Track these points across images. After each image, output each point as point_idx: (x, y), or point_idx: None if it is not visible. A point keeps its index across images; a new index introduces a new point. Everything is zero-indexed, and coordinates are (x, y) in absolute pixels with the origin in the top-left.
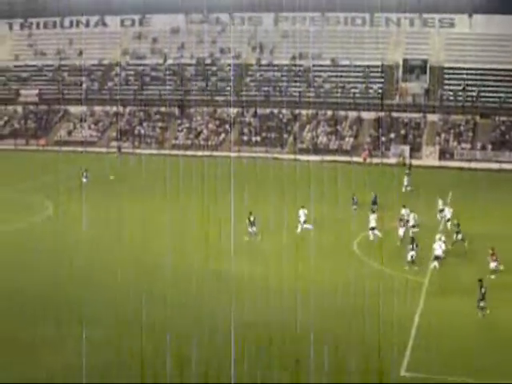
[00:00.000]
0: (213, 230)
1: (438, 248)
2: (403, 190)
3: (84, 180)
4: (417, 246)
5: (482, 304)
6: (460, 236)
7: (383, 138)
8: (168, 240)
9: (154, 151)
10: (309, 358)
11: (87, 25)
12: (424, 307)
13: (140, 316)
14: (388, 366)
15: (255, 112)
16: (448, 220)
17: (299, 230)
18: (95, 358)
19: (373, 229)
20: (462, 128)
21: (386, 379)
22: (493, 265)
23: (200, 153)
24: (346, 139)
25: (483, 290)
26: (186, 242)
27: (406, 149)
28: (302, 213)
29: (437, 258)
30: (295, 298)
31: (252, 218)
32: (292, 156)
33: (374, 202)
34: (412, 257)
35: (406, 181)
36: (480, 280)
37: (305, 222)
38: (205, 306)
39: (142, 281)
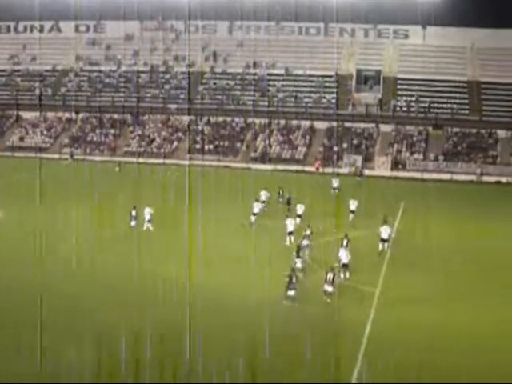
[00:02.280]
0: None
1: (345, 256)
2: (331, 192)
3: None
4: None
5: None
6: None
7: (336, 148)
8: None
9: (107, 158)
10: (259, 366)
11: (41, 30)
12: (375, 317)
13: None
14: (338, 376)
15: (208, 120)
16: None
17: (145, 227)
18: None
19: (290, 233)
20: (414, 139)
21: None
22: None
23: (152, 160)
24: (299, 148)
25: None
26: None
27: (359, 159)
28: (148, 211)
29: (344, 265)
30: (238, 305)
31: (134, 213)
32: (244, 165)
33: (288, 203)
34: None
35: (334, 182)
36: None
37: (149, 221)
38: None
39: None
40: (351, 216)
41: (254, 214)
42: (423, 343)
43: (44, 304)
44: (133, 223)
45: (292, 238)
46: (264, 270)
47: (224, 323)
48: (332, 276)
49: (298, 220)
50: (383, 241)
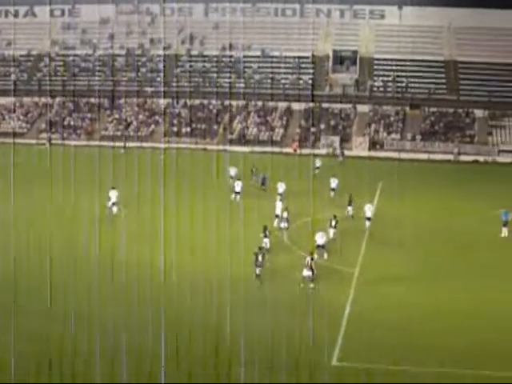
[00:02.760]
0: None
1: (320, 237)
2: (315, 171)
3: None
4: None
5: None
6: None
7: (313, 129)
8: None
9: (84, 142)
10: (239, 351)
11: (16, 15)
12: (354, 297)
13: None
14: (319, 357)
15: (185, 103)
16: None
17: (111, 210)
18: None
19: (277, 216)
20: (391, 119)
21: (318, 369)
22: (307, 273)
23: (129, 144)
24: (276, 130)
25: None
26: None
27: (336, 139)
28: (113, 194)
29: (320, 247)
30: (214, 287)
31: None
32: (221, 147)
33: (263, 183)
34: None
35: (317, 162)
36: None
37: (114, 203)
38: None
39: None
40: (332, 193)
41: (237, 193)
42: (402, 323)
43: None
44: (110, 204)
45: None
46: (239, 251)
47: (195, 307)
48: (310, 260)
49: (279, 198)
50: (368, 219)
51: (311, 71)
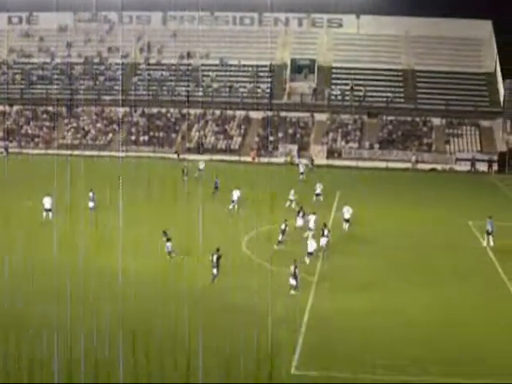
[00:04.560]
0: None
1: (310, 245)
2: (300, 177)
3: None
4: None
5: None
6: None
7: (271, 138)
8: None
9: (42, 151)
10: (197, 358)
11: None
12: (313, 304)
13: None
14: (278, 365)
15: (143, 111)
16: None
17: (44, 217)
18: None
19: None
20: (349, 127)
21: (276, 378)
22: (292, 281)
23: (87, 152)
24: (234, 139)
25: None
26: None
27: (294, 148)
28: (47, 201)
29: (310, 254)
30: (173, 295)
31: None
32: (180, 156)
33: (216, 187)
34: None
35: (301, 167)
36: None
37: (49, 209)
38: None
39: None
40: (315, 198)
41: (233, 201)
42: (362, 331)
43: None
44: (91, 205)
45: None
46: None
47: (146, 317)
48: (294, 269)
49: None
50: (346, 221)
51: (269, 80)
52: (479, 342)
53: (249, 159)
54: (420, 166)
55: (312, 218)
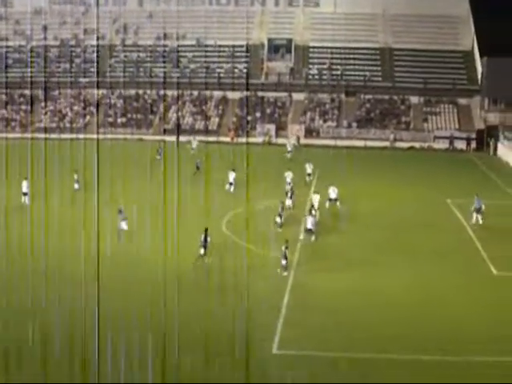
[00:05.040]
0: None
1: (310, 222)
2: (288, 156)
3: None
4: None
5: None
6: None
7: (249, 118)
8: None
9: (18, 135)
10: (175, 337)
11: None
12: (293, 284)
13: None
14: (259, 345)
15: (120, 93)
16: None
17: (22, 200)
18: None
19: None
20: (327, 106)
21: (257, 358)
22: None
23: (64, 135)
24: (212, 119)
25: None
26: None
27: (272, 128)
28: (25, 184)
29: (309, 230)
30: (158, 275)
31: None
32: (157, 137)
33: (197, 167)
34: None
35: (288, 146)
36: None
37: (25, 194)
38: None
39: None
40: (308, 178)
41: (230, 184)
42: (343, 310)
43: None
44: (76, 186)
45: None
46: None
47: (123, 297)
48: (285, 249)
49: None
50: (333, 200)
51: (246, 60)
52: (459, 321)
53: (227, 139)
54: (398, 144)
55: (316, 198)
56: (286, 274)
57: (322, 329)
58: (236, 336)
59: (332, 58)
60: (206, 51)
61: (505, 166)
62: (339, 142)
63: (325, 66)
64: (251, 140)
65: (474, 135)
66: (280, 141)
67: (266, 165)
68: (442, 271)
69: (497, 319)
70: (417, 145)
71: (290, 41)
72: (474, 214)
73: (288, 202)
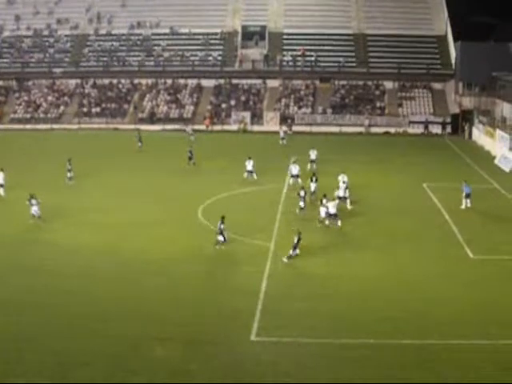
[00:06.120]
0: None
1: (332, 207)
2: (280, 142)
3: None
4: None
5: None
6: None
7: (224, 105)
8: None
9: None
10: (155, 325)
11: None
12: (271, 271)
13: None
14: (237, 332)
15: (94, 83)
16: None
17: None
18: None
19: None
20: (301, 93)
21: (236, 345)
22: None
23: (40, 126)
24: (187, 107)
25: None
26: None
27: (247, 115)
28: (1, 176)
29: (333, 215)
30: (141, 265)
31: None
32: (133, 126)
33: (190, 158)
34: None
35: (281, 133)
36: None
37: (1, 185)
38: None
39: None
40: (309, 165)
41: (249, 172)
42: (320, 296)
43: None
44: (68, 175)
45: None
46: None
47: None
48: (297, 239)
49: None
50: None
51: (221, 47)
52: (435, 304)
53: (202, 127)
54: (373, 129)
55: (342, 186)
56: (285, 260)
57: (299, 315)
58: (215, 322)
59: (306, 45)
60: (180, 39)
61: (479, 149)
62: (314, 129)
63: (299, 53)
64: (226, 128)
65: (448, 119)
66: (256, 128)
67: (265, 152)
68: (419, 255)
69: (473, 302)
70: (392, 130)
71: (263, 28)
72: (464, 200)
73: (313, 187)
